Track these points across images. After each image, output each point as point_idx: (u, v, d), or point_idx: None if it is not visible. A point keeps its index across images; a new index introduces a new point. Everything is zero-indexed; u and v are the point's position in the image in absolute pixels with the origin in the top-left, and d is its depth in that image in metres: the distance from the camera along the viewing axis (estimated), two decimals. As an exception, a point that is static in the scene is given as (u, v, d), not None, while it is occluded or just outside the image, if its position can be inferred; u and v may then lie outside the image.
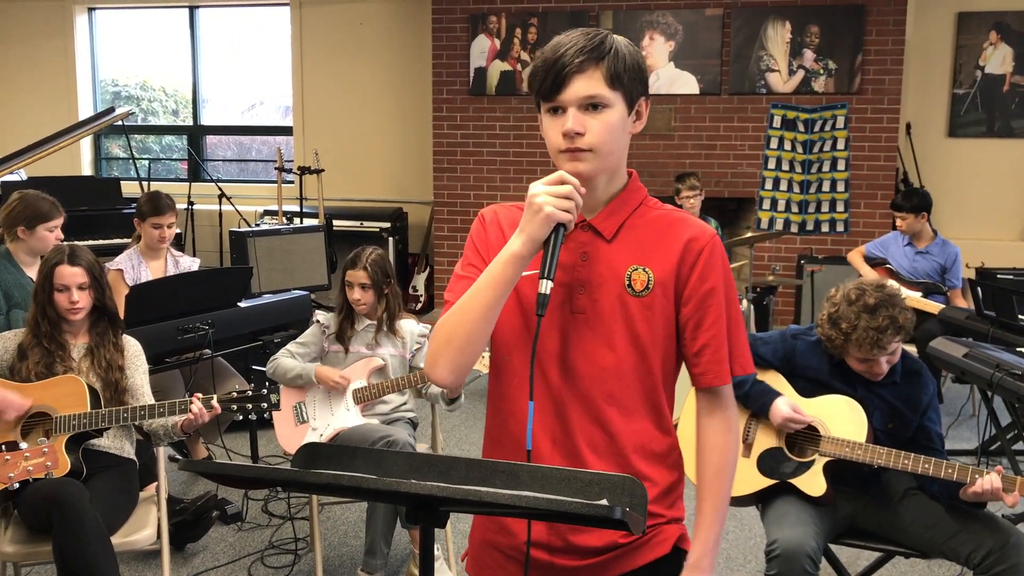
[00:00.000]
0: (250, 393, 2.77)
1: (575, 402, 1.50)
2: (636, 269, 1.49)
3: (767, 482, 2.63)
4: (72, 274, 2.82)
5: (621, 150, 1.51)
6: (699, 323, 1.50)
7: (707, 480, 1.55)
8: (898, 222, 5.16)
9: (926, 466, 2.42)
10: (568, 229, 1.42)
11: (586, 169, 1.44)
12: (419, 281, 7.51)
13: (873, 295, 2.51)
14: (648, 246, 1.50)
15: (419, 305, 7.43)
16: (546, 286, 1.38)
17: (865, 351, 2.51)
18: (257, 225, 6.79)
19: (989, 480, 2.33)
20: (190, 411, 2.68)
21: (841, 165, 6.56)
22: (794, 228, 6.67)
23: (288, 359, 3.29)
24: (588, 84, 1.42)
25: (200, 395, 2.73)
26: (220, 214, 7.30)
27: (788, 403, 2.59)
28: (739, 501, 2.71)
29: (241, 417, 2.79)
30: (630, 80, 1.45)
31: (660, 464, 1.56)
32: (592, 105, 1.43)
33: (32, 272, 3.62)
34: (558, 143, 1.45)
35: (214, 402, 2.71)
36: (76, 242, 3.05)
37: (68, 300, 2.81)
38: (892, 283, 2.64)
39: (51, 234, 3.66)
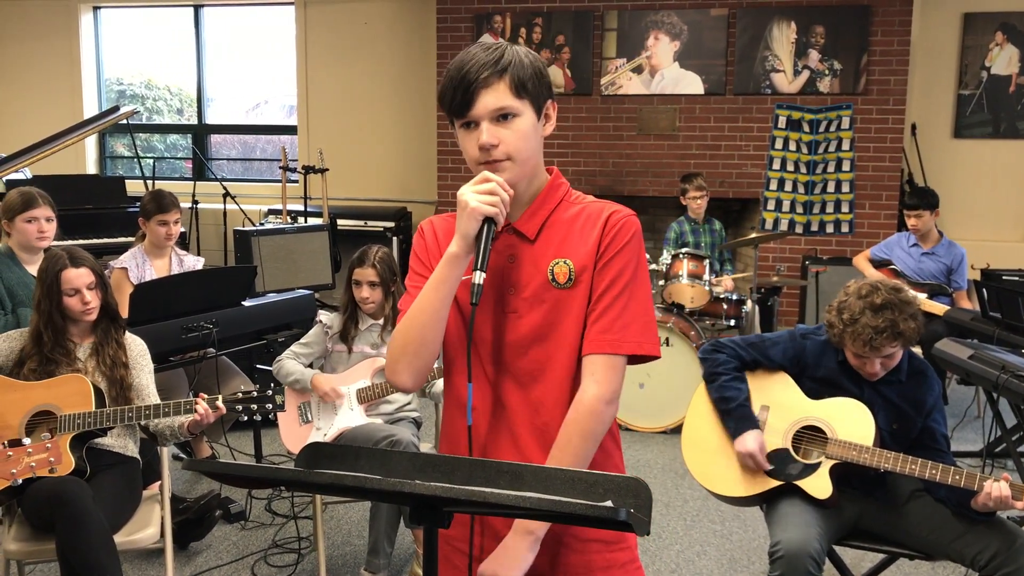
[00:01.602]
0: (255, 394, 2.77)
1: (514, 396, 1.55)
2: (558, 263, 1.54)
3: (772, 483, 2.62)
4: (79, 276, 2.81)
5: (536, 153, 1.55)
6: (595, 289, 1.52)
7: (560, 441, 1.50)
8: (912, 221, 5.14)
9: (933, 472, 2.41)
10: (498, 224, 1.47)
11: (506, 178, 1.49)
12: (423, 281, 7.50)
13: (883, 295, 2.50)
14: (568, 239, 1.55)
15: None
16: (479, 276, 1.44)
17: (859, 347, 2.50)
18: (261, 224, 6.79)
19: (998, 488, 2.32)
20: (195, 411, 2.68)
21: (846, 166, 6.54)
22: (799, 229, 6.65)
23: (290, 362, 3.30)
24: (496, 96, 1.48)
25: (205, 395, 2.73)
26: (224, 213, 7.31)
27: (757, 439, 2.60)
28: (743, 502, 2.71)
29: (246, 418, 2.79)
30: (534, 87, 1.51)
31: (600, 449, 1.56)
32: (502, 116, 1.49)
33: (32, 269, 3.61)
34: (476, 156, 1.52)
35: (219, 403, 2.71)
36: (70, 242, 3.04)
37: (81, 302, 2.81)
38: (911, 291, 2.61)
39: (30, 226, 3.60)
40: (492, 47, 1.51)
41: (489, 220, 1.46)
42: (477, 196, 1.46)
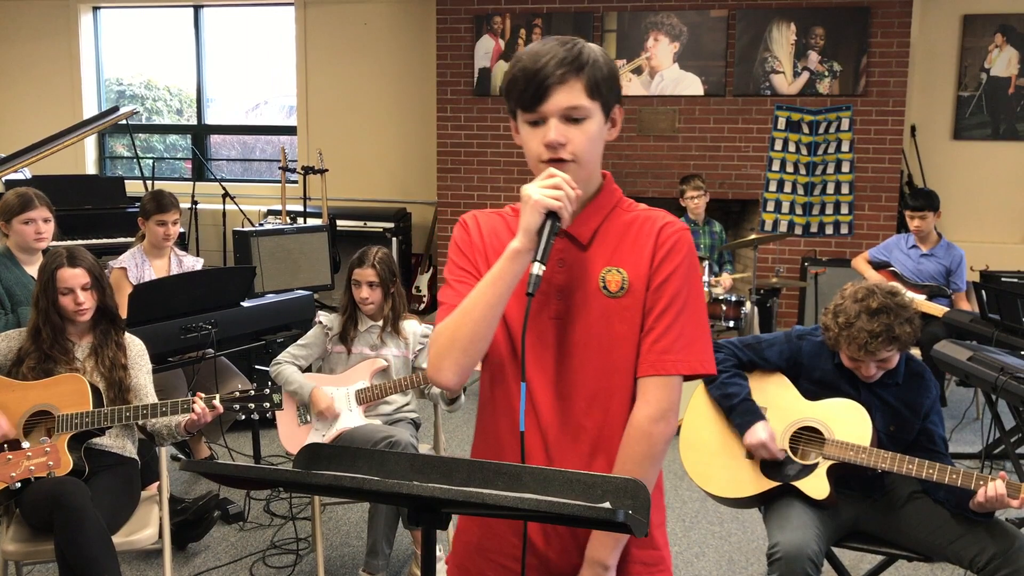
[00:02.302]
0: (252, 393, 2.76)
1: (557, 405, 1.51)
2: (610, 271, 1.50)
3: (770, 484, 2.62)
4: (74, 275, 2.81)
5: (598, 158, 1.53)
6: (649, 311, 1.49)
7: (620, 466, 1.48)
8: (916, 222, 5.13)
9: (930, 471, 2.41)
10: (562, 220, 1.43)
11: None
12: (422, 281, 7.51)
13: (879, 299, 2.49)
14: (622, 247, 1.52)
15: (422, 305, 7.43)
16: (537, 268, 1.40)
17: (853, 350, 2.50)
18: (261, 225, 6.79)
19: (994, 487, 2.32)
20: (192, 411, 2.68)
21: (845, 167, 6.54)
22: (798, 230, 6.65)
23: (290, 368, 3.29)
24: (569, 95, 1.44)
25: (203, 394, 2.73)
26: (224, 213, 7.31)
27: (766, 428, 2.60)
28: (742, 503, 2.71)
29: (244, 417, 2.79)
30: (607, 90, 1.47)
31: None
32: (573, 116, 1.45)
33: (31, 269, 3.62)
34: (539, 153, 1.47)
35: (216, 402, 2.71)
36: (70, 242, 3.04)
37: (74, 302, 2.81)
38: (909, 295, 2.61)
39: (27, 227, 3.60)
40: (569, 43, 1.46)
41: (553, 215, 1.41)
42: (541, 190, 1.42)
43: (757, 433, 2.58)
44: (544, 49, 1.45)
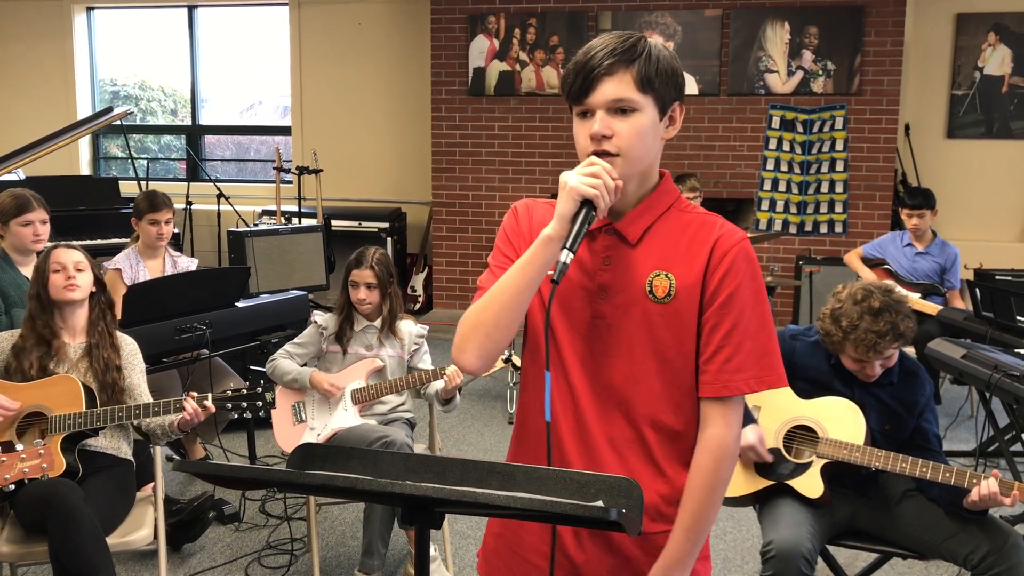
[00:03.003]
0: (245, 392, 2.76)
1: (595, 405, 1.48)
2: (658, 275, 1.45)
3: (764, 483, 2.62)
4: (68, 254, 2.84)
5: (652, 155, 1.47)
6: (713, 329, 1.44)
7: (688, 494, 1.46)
8: (915, 221, 5.14)
9: (924, 470, 2.42)
10: (598, 209, 1.39)
11: None
12: (417, 281, 7.51)
13: (879, 298, 2.51)
14: (673, 251, 1.46)
15: (417, 305, 7.43)
16: (565, 255, 1.37)
17: (861, 352, 2.51)
18: (255, 225, 6.78)
19: (986, 486, 2.33)
20: (184, 410, 2.67)
21: (840, 166, 6.54)
22: (792, 229, 6.65)
23: (286, 361, 3.29)
24: (617, 87, 1.40)
25: (195, 394, 2.72)
26: (218, 214, 7.30)
27: (756, 432, 2.61)
28: (736, 502, 2.71)
29: (236, 416, 2.78)
30: (662, 84, 1.43)
31: (682, 469, 1.50)
32: (621, 109, 1.41)
33: (26, 271, 3.61)
34: (586, 146, 1.44)
35: (208, 402, 2.70)
36: (72, 241, 3.05)
37: (65, 278, 2.79)
38: (900, 290, 2.63)
39: (25, 229, 3.60)
40: (626, 35, 1.43)
41: (588, 203, 1.37)
42: (580, 177, 1.38)
43: (747, 437, 2.60)
44: (599, 42, 1.43)
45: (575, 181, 1.38)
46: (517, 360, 3.44)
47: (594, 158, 1.40)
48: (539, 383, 1.50)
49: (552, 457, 1.46)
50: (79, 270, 2.82)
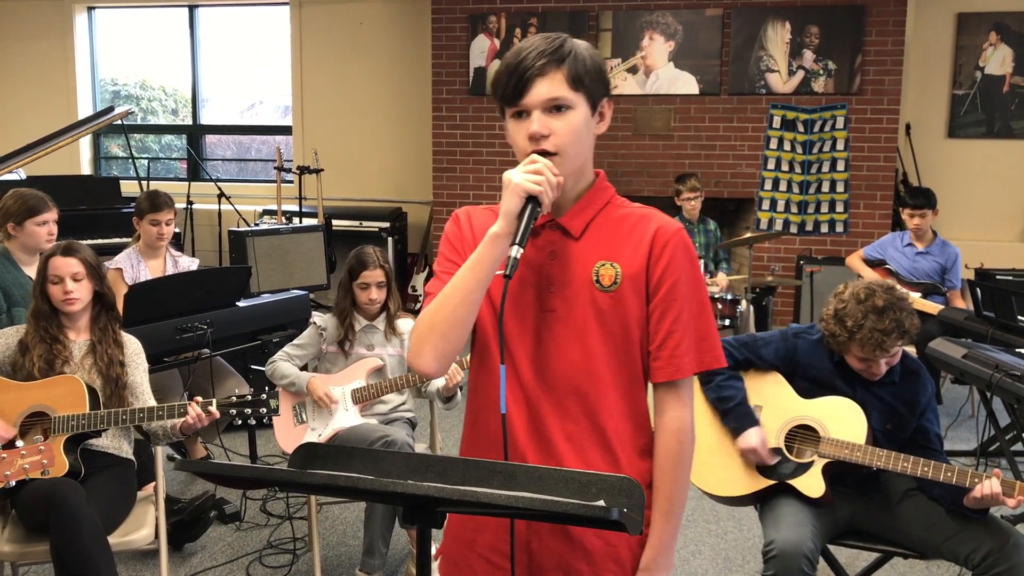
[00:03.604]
0: (249, 398, 2.76)
1: (547, 398, 1.51)
2: (603, 264, 1.50)
3: (766, 483, 2.62)
4: (65, 264, 2.81)
5: (586, 151, 1.53)
6: (661, 317, 1.50)
7: (660, 478, 1.53)
8: (917, 220, 5.13)
9: (925, 469, 2.42)
10: (542, 205, 1.43)
11: None
12: (418, 281, 7.51)
13: (883, 297, 2.51)
14: (616, 242, 1.52)
15: (418, 305, 7.42)
16: (516, 251, 1.41)
17: (867, 351, 2.51)
18: (256, 225, 6.78)
19: (988, 485, 2.33)
20: (188, 415, 2.67)
21: (841, 166, 6.55)
22: (793, 229, 6.66)
23: (285, 364, 3.29)
24: (551, 86, 1.45)
25: (199, 399, 2.72)
26: (219, 214, 7.30)
27: (759, 434, 2.61)
28: (737, 501, 2.72)
29: (240, 422, 2.78)
30: (591, 81, 1.48)
31: (635, 454, 1.55)
32: (556, 107, 1.46)
33: (31, 271, 3.61)
34: (524, 146, 1.48)
35: (212, 408, 2.70)
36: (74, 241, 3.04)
37: (62, 291, 2.80)
38: (901, 288, 2.63)
39: (41, 229, 3.64)
40: (551, 37, 1.48)
41: (533, 199, 1.42)
42: (522, 174, 1.43)
43: (749, 439, 2.61)
44: (526, 44, 1.48)
45: (519, 179, 1.42)
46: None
47: (535, 156, 1.45)
48: (489, 383, 1.53)
49: (508, 456, 1.48)
50: (76, 280, 2.82)
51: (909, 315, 2.50)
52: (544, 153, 1.46)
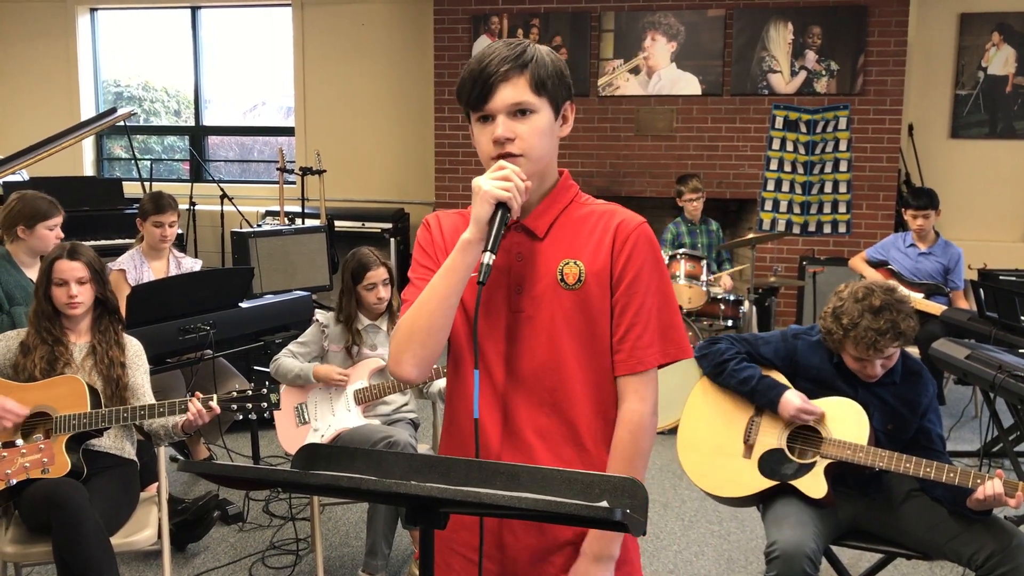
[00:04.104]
0: (250, 393, 2.76)
1: (519, 398, 1.54)
2: (567, 263, 1.53)
3: (768, 483, 2.62)
4: (71, 268, 2.81)
5: (550, 153, 1.55)
6: (623, 310, 1.52)
7: (613, 468, 1.53)
8: (920, 221, 5.12)
9: (927, 470, 2.41)
10: (512, 211, 1.46)
11: None
12: (420, 282, 7.50)
13: (880, 297, 2.50)
14: (579, 240, 1.55)
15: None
16: (488, 257, 1.43)
17: (861, 351, 2.50)
18: (259, 226, 6.79)
19: (991, 486, 2.32)
20: (189, 411, 2.67)
21: (843, 166, 6.55)
22: (796, 229, 6.66)
23: (288, 359, 3.30)
24: (514, 91, 1.48)
25: (200, 395, 2.72)
26: (222, 215, 7.31)
27: (798, 395, 2.59)
28: (740, 502, 2.71)
29: (241, 417, 2.78)
30: (554, 86, 1.51)
31: (605, 448, 1.56)
32: (520, 111, 1.49)
33: (32, 273, 3.62)
34: (489, 150, 1.51)
35: (213, 403, 2.70)
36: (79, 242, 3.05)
37: (67, 295, 2.80)
38: (902, 290, 2.63)
39: (51, 232, 3.66)
40: (514, 43, 1.51)
41: (502, 205, 1.44)
42: (491, 181, 1.45)
43: (791, 402, 2.58)
44: (489, 51, 1.51)
45: (488, 186, 1.44)
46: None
47: (503, 162, 1.47)
48: (466, 386, 1.55)
49: (481, 456, 1.51)
50: (81, 284, 2.83)
51: (906, 317, 2.49)
52: (509, 156, 1.48)
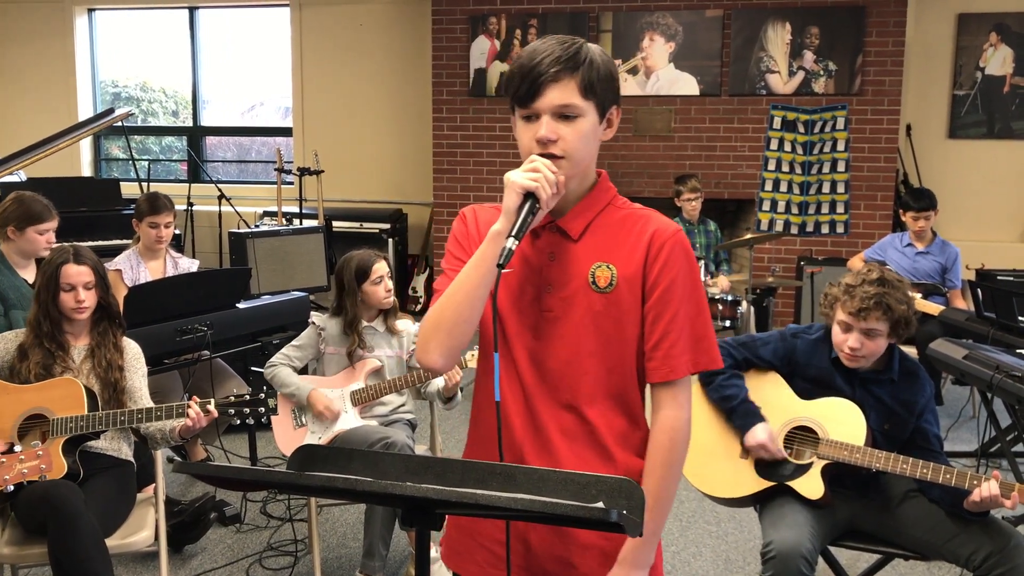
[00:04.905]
0: (247, 397, 2.76)
1: (545, 396, 1.54)
2: (600, 266, 1.53)
3: (765, 484, 2.62)
4: (79, 273, 2.81)
5: (592, 156, 1.55)
6: (656, 318, 1.52)
7: (648, 474, 1.54)
8: (921, 223, 5.13)
9: (924, 471, 2.41)
10: (540, 201, 1.45)
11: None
12: (419, 282, 7.51)
13: (883, 272, 2.56)
14: (613, 244, 1.54)
15: (418, 307, 7.43)
16: (511, 242, 1.42)
17: (850, 307, 2.53)
18: (256, 226, 6.78)
19: (987, 488, 2.32)
20: (187, 415, 2.67)
21: (841, 166, 6.55)
22: (794, 229, 6.66)
23: (285, 370, 3.27)
24: (562, 93, 1.47)
25: (197, 399, 2.72)
26: (220, 215, 7.30)
27: (766, 430, 2.61)
28: (737, 502, 2.71)
29: (239, 422, 2.78)
30: (603, 90, 1.50)
31: (630, 453, 1.57)
32: (565, 115, 1.48)
33: (25, 274, 3.61)
34: (531, 148, 1.50)
35: (211, 407, 2.70)
36: (76, 243, 3.04)
37: (75, 300, 2.80)
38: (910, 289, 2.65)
39: (41, 237, 3.63)
40: (568, 42, 1.49)
41: (530, 195, 1.44)
42: (521, 173, 1.46)
43: (757, 435, 2.60)
44: (543, 47, 1.48)
45: (516, 177, 1.46)
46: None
47: (535, 156, 1.47)
48: (491, 380, 1.55)
49: (504, 448, 1.52)
50: (88, 288, 2.83)
51: (900, 302, 2.51)
52: (551, 156, 1.47)
